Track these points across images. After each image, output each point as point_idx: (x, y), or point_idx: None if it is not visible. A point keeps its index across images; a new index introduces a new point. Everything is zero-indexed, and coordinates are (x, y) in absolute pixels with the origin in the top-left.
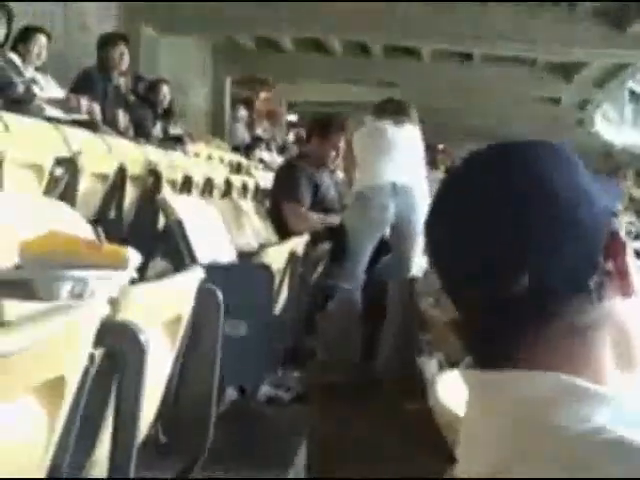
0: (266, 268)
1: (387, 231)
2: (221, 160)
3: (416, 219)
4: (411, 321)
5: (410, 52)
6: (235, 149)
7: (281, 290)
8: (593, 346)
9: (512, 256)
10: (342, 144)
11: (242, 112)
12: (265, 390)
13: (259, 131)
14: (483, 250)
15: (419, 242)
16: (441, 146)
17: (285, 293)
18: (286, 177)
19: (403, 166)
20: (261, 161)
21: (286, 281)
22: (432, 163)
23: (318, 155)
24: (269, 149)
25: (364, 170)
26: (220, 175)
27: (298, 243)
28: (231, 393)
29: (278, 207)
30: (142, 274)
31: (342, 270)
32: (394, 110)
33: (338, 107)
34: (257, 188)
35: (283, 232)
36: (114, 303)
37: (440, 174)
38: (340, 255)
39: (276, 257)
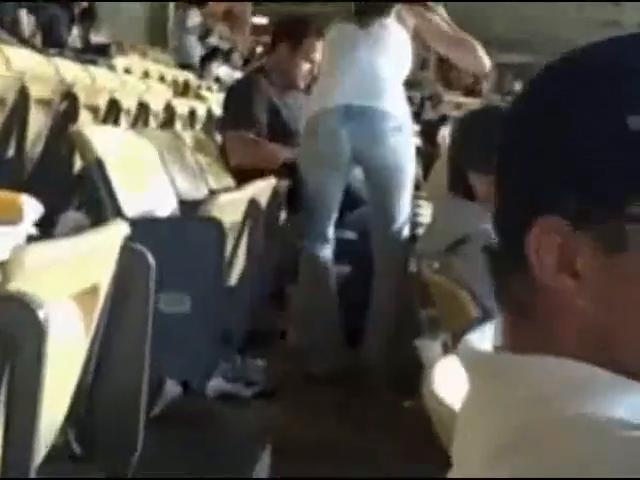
0: (216, 223)
1: (357, 174)
2: (161, 78)
3: (384, 152)
4: (407, 292)
5: None
6: (183, 66)
7: (237, 253)
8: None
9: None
10: (318, 55)
11: (191, 14)
12: (216, 384)
13: (214, 39)
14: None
15: (402, 183)
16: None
17: (243, 257)
18: (234, 97)
19: (364, 83)
20: (217, 80)
21: (244, 240)
22: (446, 81)
23: (284, 69)
24: (228, 63)
25: (316, 90)
26: (159, 99)
27: (261, 189)
28: (171, 388)
29: (223, 138)
30: (48, 231)
31: (300, 224)
32: (366, 8)
33: (321, 6)
34: (210, 116)
35: (240, 175)
36: (4, 269)
37: (458, 96)
38: (297, 204)
39: (230, 208)
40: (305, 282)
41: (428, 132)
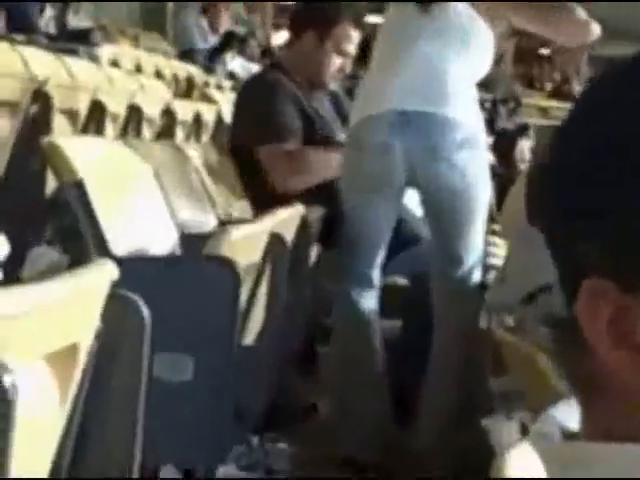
0: (227, 264)
1: (410, 203)
2: (158, 74)
3: (448, 171)
4: (475, 356)
5: None
6: (185, 55)
7: (255, 302)
8: None
9: None
10: (352, 47)
11: None
12: (227, 472)
13: (225, 24)
14: None
15: (473, 212)
16: (545, 51)
17: (262, 308)
18: (256, 99)
19: (425, 83)
20: (230, 76)
21: (264, 286)
22: (526, 79)
23: (309, 64)
24: (244, 54)
25: (363, 92)
26: (155, 101)
27: (286, 220)
28: (170, 477)
29: (246, 154)
30: (14, 273)
31: (337, 263)
32: None
33: None
34: (220, 123)
35: (260, 199)
36: None
37: (542, 98)
38: (334, 238)
39: (246, 244)
40: (342, 341)
41: (503, 146)
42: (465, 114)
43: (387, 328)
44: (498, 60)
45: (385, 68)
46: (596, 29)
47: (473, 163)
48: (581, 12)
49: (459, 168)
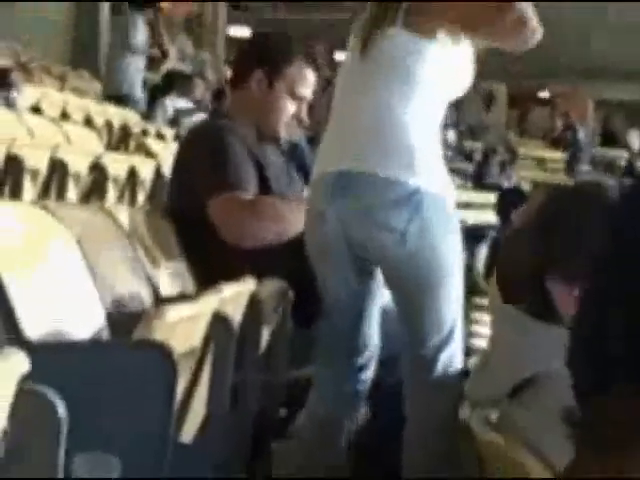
0: (162, 349)
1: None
2: (88, 121)
3: (383, 237)
4: (450, 455)
5: None
6: (121, 100)
7: (194, 393)
8: None
9: None
10: (307, 90)
11: (137, 20)
12: None
13: (171, 62)
14: None
15: (428, 282)
16: (543, 94)
17: (202, 399)
18: (203, 151)
19: (358, 139)
20: (173, 122)
21: (205, 374)
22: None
23: (259, 109)
24: (190, 96)
25: (319, 150)
26: (83, 154)
27: (233, 295)
28: None
29: (190, 215)
30: None
31: (314, 343)
32: (373, 20)
33: (330, 12)
34: (160, 179)
35: (206, 271)
36: None
37: (540, 147)
38: (304, 314)
39: (185, 326)
40: (304, 435)
41: (500, 205)
42: (406, 170)
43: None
44: (489, 104)
45: (331, 122)
46: (537, 32)
47: (420, 226)
48: (525, 8)
49: (398, 232)
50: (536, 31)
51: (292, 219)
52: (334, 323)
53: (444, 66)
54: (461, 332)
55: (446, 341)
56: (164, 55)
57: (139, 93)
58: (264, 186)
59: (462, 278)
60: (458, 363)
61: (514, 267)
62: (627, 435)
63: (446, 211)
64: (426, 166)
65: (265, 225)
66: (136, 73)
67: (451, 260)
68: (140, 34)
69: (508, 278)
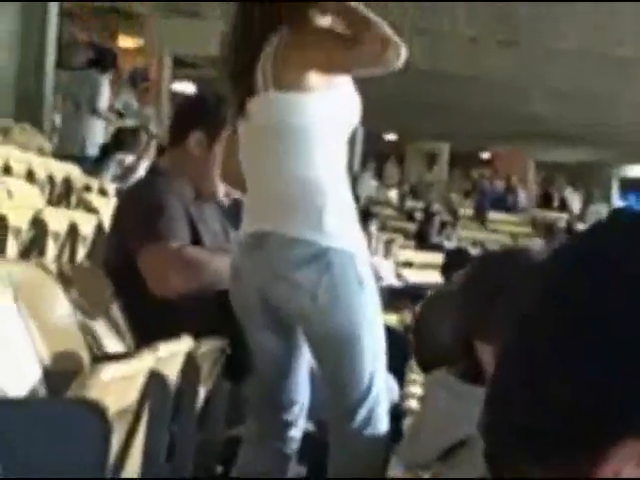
0: (95, 408)
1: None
2: (29, 176)
3: (292, 295)
4: None
5: None
6: (64, 155)
7: (128, 452)
8: None
9: None
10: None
11: (102, 84)
12: None
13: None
14: None
15: (340, 340)
16: (485, 155)
17: (137, 459)
18: (138, 205)
19: (264, 200)
20: (121, 178)
21: (140, 433)
22: (464, 186)
23: (197, 169)
24: (133, 149)
25: None
26: (24, 208)
27: (169, 353)
28: None
29: (125, 267)
30: None
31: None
32: (244, 87)
33: None
34: (100, 235)
35: (142, 328)
36: None
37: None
38: (236, 370)
39: (120, 385)
40: None
41: (446, 265)
42: (313, 229)
43: (293, 474)
44: (431, 163)
45: (247, 185)
46: (400, 54)
47: (330, 284)
48: (385, 31)
49: (304, 289)
50: (399, 48)
51: (217, 268)
52: (260, 378)
53: (330, 110)
54: (384, 385)
55: (365, 394)
56: (120, 116)
57: (94, 152)
58: (198, 244)
59: (381, 332)
60: (380, 416)
61: (441, 331)
62: None
63: (356, 267)
64: (334, 222)
65: (188, 273)
66: (98, 135)
67: (365, 315)
68: (104, 97)
69: (434, 343)
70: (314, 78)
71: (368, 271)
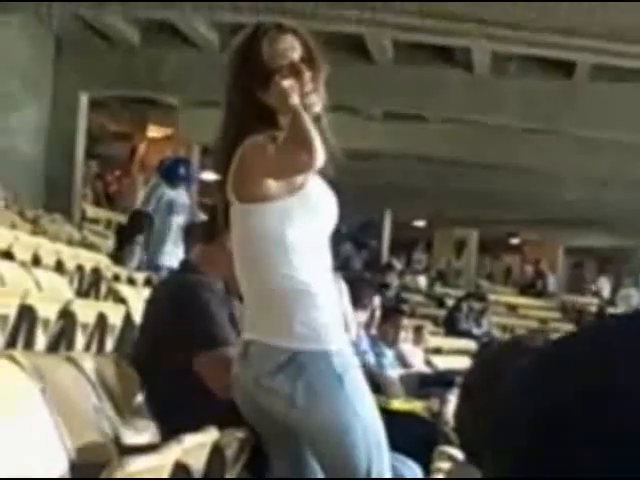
0: None
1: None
2: (58, 266)
3: (274, 399)
4: None
5: None
6: (91, 246)
7: None
8: None
9: None
10: None
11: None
12: None
13: (138, 203)
14: None
15: (334, 448)
16: (515, 241)
17: None
18: (182, 304)
19: (252, 309)
20: (145, 267)
21: None
22: (490, 273)
23: (230, 267)
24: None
25: None
26: (52, 300)
27: (195, 447)
28: None
29: (161, 362)
30: None
31: None
32: (221, 200)
33: None
34: (129, 326)
35: (170, 419)
36: None
37: (512, 294)
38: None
39: (147, 477)
40: None
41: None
42: (283, 336)
43: None
44: (460, 250)
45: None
46: (318, 156)
47: (306, 386)
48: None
49: (282, 395)
50: (318, 150)
51: None
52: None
53: (293, 215)
54: (388, 473)
55: None
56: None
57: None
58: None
59: (374, 421)
60: None
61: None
62: None
63: (332, 364)
64: (305, 325)
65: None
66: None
67: (350, 409)
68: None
69: (465, 436)
70: (271, 186)
71: (350, 362)
